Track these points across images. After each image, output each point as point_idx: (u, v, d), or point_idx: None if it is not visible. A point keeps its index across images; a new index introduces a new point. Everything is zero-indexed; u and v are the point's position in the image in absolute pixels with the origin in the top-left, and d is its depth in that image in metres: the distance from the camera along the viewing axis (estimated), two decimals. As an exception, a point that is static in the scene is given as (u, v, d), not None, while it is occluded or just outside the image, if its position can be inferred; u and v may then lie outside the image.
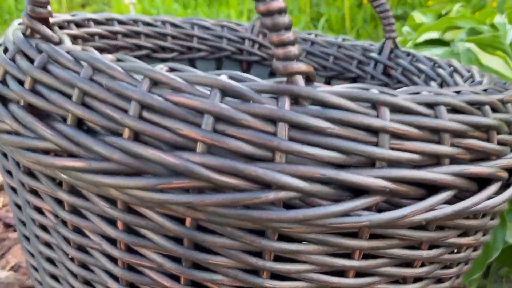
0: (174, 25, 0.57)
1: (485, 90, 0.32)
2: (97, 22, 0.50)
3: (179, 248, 0.26)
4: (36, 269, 0.38)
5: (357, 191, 0.25)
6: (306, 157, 0.23)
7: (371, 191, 0.24)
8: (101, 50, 0.49)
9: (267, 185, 0.23)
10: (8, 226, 0.72)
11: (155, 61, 0.56)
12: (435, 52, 0.73)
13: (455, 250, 0.33)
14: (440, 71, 0.48)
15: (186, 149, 0.24)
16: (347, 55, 0.59)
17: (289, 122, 0.23)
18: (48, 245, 0.34)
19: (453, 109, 0.27)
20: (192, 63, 0.59)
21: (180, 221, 0.26)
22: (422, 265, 0.31)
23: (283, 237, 0.26)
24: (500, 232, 0.52)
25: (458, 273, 0.35)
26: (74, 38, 0.45)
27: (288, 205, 0.24)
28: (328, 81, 0.61)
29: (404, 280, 0.31)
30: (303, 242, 0.26)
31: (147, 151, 0.23)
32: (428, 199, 0.25)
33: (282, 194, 0.23)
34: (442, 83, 0.47)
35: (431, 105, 0.26)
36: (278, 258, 0.26)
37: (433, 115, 0.26)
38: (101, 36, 0.49)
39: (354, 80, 0.59)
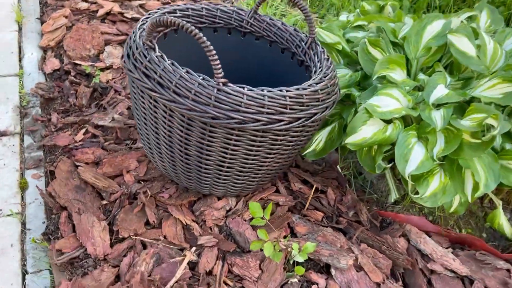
0: (207, 9, 1.13)
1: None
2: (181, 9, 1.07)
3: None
4: (138, 119, 1.03)
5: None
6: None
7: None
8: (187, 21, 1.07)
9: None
10: (116, 91, 1.37)
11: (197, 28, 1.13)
12: (358, 34, 1.25)
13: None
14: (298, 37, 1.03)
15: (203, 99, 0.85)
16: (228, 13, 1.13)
17: (215, 97, 0.83)
18: (144, 116, 0.98)
19: (271, 97, 0.85)
20: (215, 30, 1.16)
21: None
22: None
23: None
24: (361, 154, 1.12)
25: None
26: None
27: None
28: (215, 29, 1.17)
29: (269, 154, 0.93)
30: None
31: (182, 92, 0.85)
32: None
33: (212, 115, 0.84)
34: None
35: (262, 95, 0.85)
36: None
37: (263, 98, 0.84)
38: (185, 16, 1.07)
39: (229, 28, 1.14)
